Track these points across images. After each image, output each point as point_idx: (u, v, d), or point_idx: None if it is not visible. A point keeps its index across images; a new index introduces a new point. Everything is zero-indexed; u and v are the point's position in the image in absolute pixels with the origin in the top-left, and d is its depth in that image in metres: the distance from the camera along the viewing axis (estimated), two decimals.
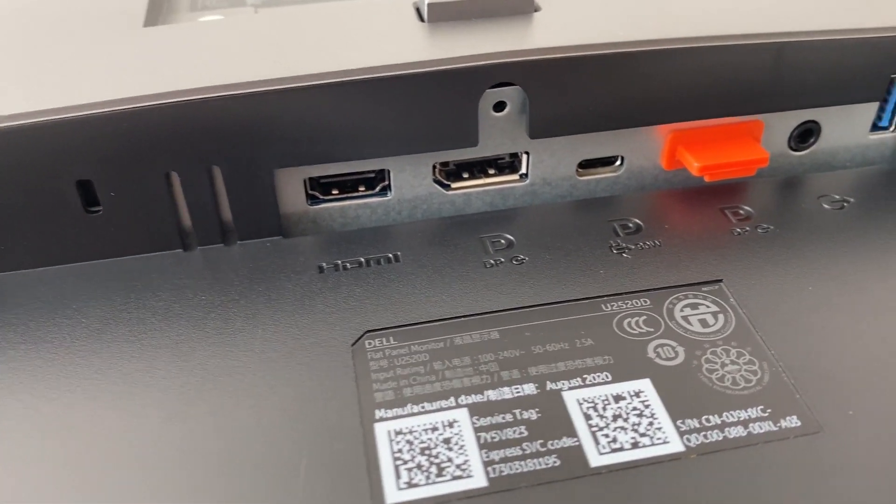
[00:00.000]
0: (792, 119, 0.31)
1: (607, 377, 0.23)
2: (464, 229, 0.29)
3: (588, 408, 0.22)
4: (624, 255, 0.27)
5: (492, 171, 0.30)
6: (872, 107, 0.31)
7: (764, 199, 0.30)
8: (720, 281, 0.26)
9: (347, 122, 0.27)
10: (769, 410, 0.22)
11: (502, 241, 0.28)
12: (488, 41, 0.28)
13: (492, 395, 0.23)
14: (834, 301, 0.25)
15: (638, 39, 0.27)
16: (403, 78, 0.26)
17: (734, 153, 0.29)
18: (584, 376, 0.23)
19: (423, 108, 0.27)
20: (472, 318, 0.25)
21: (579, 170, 0.31)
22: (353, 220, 0.30)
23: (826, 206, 0.30)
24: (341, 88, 0.26)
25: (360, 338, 0.25)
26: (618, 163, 0.31)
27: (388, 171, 0.29)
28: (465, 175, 0.30)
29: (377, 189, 0.29)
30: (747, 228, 0.28)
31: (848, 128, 0.32)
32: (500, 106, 0.28)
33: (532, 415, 0.22)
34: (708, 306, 0.25)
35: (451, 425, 0.22)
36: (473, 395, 0.23)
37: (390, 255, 0.28)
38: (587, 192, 0.31)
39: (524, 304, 0.25)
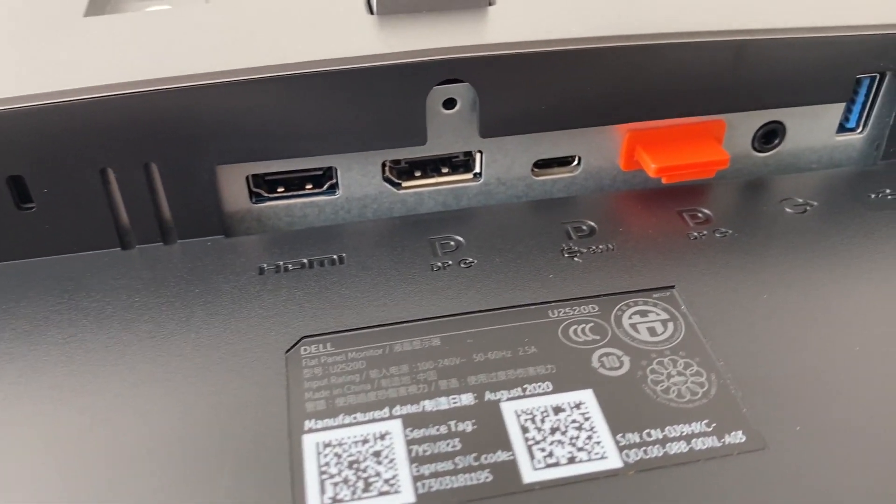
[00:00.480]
0: (756, 119, 0.30)
1: (548, 387, 0.22)
2: (413, 230, 0.28)
3: (526, 420, 0.22)
4: (575, 258, 0.27)
5: (445, 170, 0.29)
6: (839, 107, 0.31)
7: (724, 201, 0.29)
8: (672, 287, 0.25)
9: (290, 118, 0.26)
10: (714, 425, 0.21)
11: (452, 243, 0.27)
12: (438, 36, 0.27)
13: (428, 405, 0.22)
14: (788, 310, 0.25)
15: (594, 36, 0.27)
16: (348, 73, 0.25)
17: (693, 154, 0.29)
18: (525, 386, 0.22)
19: (369, 104, 0.26)
20: (414, 323, 0.24)
21: (535, 169, 0.30)
22: (299, 219, 0.29)
23: (788, 209, 0.29)
24: (283, 83, 0.25)
25: (295, 344, 0.24)
26: (575, 163, 0.30)
27: (336, 169, 0.28)
28: (418, 174, 0.29)
29: (325, 187, 0.29)
30: (704, 232, 0.28)
31: (814, 129, 0.31)
32: (449, 103, 0.27)
33: (468, 427, 0.21)
34: (658, 314, 0.25)
35: (382, 437, 0.21)
36: (409, 406, 0.22)
37: (334, 257, 0.27)
38: (543, 192, 0.30)
39: (468, 310, 0.25)
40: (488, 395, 0.22)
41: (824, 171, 0.32)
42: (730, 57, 0.28)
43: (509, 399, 0.22)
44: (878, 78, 0.30)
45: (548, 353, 0.23)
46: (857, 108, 0.31)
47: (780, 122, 0.30)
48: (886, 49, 0.29)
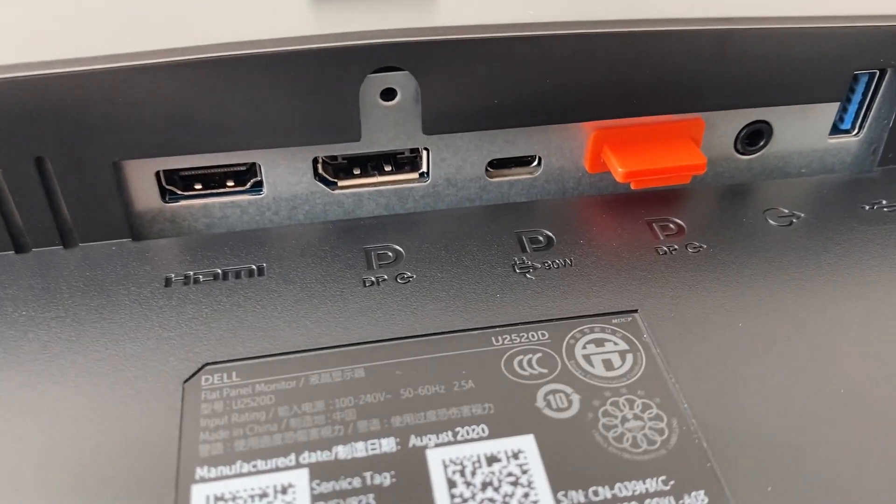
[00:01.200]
0: (739, 118, 0.27)
1: (483, 431, 0.19)
2: (347, 237, 0.25)
3: (454, 472, 0.19)
4: (528, 275, 0.24)
5: (388, 169, 0.26)
6: (832, 107, 0.28)
7: (700, 210, 0.26)
8: (634, 311, 0.23)
9: (199, 109, 0.23)
10: (672, 482, 0.18)
11: (389, 254, 0.24)
12: (376, 18, 0.24)
13: (341, 452, 0.19)
14: (767, 342, 0.22)
15: (553, 21, 0.23)
16: (266, 57, 0.22)
17: (667, 157, 0.26)
18: (457, 430, 0.20)
19: (293, 93, 0.23)
20: (336, 350, 0.21)
21: (490, 170, 0.27)
22: (219, 220, 0.26)
23: (772, 221, 0.26)
24: (189, 68, 0.22)
25: (196, 372, 0.21)
26: (534, 163, 0.27)
27: (259, 166, 0.25)
28: (356, 172, 0.26)
29: (248, 185, 0.26)
30: (675, 247, 0.25)
31: (804, 130, 0.28)
32: (388, 94, 0.24)
33: (385, 479, 0.18)
34: (616, 343, 0.22)
35: (284, 491, 0.18)
36: (319, 452, 0.19)
37: (253, 267, 0.24)
38: (499, 195, 0.27)
39: (400, 335, 0.22)
40: (413, 441, 0.19)
41: (815, 177, 0.29)
42: (710, 49, 0.24)
43: (438, 445, 0.19)
44: (877, 75, 0.27)
45: (487, 390, 0.20)
46: (852, 108, 0.28)
47: (766, 122, 0.27)
48: (887, 43, 0.26)
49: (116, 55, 0.22)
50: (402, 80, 0.23)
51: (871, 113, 0.28)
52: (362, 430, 0.19)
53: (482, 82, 0.23)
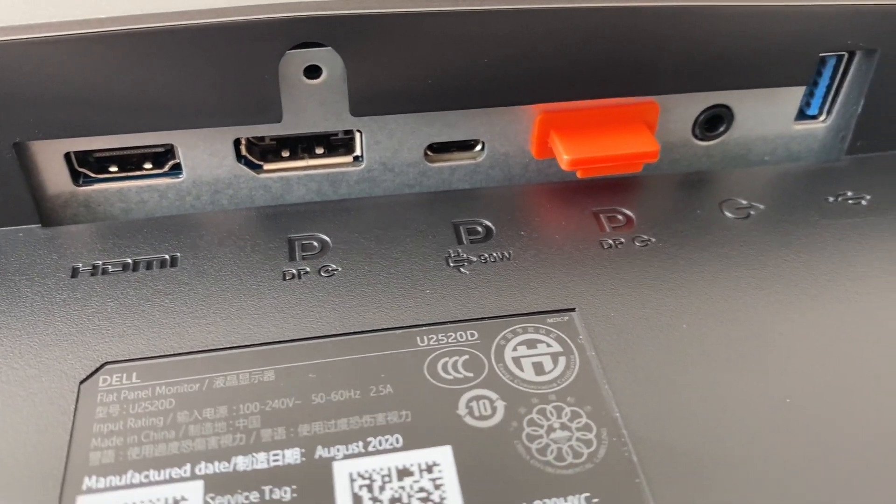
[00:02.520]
0: (697, 102, 0.26)
1: (397, 442, 0.18)
2: (271, 225, 0.24)
3: (361, 486, 0.17)
4: (462, 269, 0.22)
5: (320, 151, 0.25)
6: (798, 91, 0.26)
7: (652, 201, 0.25)
8: (572, 310, 0.21)
9: (108, 86, 0.21)
10: (596, 500, 0.17)
11: (315, 244, 0.23)
12: None
13: (241, 463, 0.18)
14: (712, 345, 0.20)
15: None
16: (177, 32, 0.21)
17: (617, 144, 0.24)
18: (369, 440, 0.18)
19: (207, 71, 0.21)
20: (246, 350, 0.20)
21: (430, 154, 0.25)
22: (136, 205, 0.24)
23: (728, 213, 0.25)
24: (95, 42, 0.21)
25: (94, 372, 0.20)
26: (477, 148, 0.25)
27: (175, 147, 0.23)
28: (285, 154, 0.25)
29: (166, 168, 0.24)
30: (622, 240, 0.23)
31: (767, 115, 0.27)
32: (313, 72, 0.22)
33: (286, 494, 0.17)
34: (549, 345, 0.21)
35: None
36: (216, 463, 0.18)
37: (166, 257, 0.22)
38: (440, 181, 0.26)
39: (317, 334, 0.20)
40: (320, 452, 0.18)
41: (779, 165, 0.27)
42: (664, 27, 0.23)
43: (346, 457, 0.18)
44: (845, 58, 0.26)
45: (405, 395, 0.19)
46: (819, 93, 0.27)
47: (726, 107, 0.26)
48: (854, 25, 0.24)
49: (13, 27, 0.21)
50: (326, 57, 0.22)
51: (840, 98, 0.27)
52: (266, 440, 0.18)
53: (414, 60, 0.22)
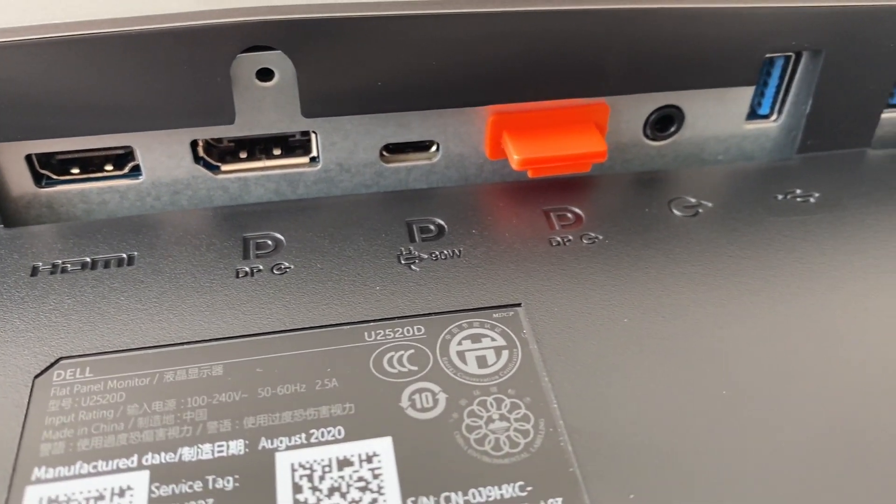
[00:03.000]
0: (647, 103, 0.26)
1: (339, 433, 0.19)
2: (227, 224, 0.24)
3: (302, 476, 0.18)
4: (413, 266, 0.23)
5: (277, 152, 0.25)
6: (747, 91, 0.27)
7: (603, 200, 0.26)
8: (518, 305, 0.22)
9: (67, 89, 0.22)
10: (529, 488, 0.18)
11: (269, 243, 0.24)
12: None
13: (186, 454, 0.18)
14: (651, 339, 0.21)
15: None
16: (131, 37, 0.21)
17: (566, 144, 0.25)
18: (312, 431, 0.19)
19: (160, 75, 0.22)
20: (196, 346, 0.21)
21: (386, 155, 0.26)
22: (98, 206, 0.25)
23: (676, 211, 0.25)
24: (50, 47, 0.21)
25: (49, 367, 0.20)
26: (433, 149, 0.26)
27: (134, 149, 0.24)
28: (243, 155, 0.25)
29: (126, 169, 0.25)
30: (569, 237, 0.24)
31: (718, 115, 0.27)
32: (265, 74, 0.23)
33: (228, 483, 0.18)
34: (493, 339, 0.21)
35: (121, 494, 0.18)
36: (163, 454, 0.18)
37: (123, 256, 0.23)
38: (397, 181, 0.26)
39: (266, 330, 0.21)
40: (263, 443, 0.19)
41: (730, 164, 0.28)
42: (612, 30, 0.24)
43: (289, 448, 0.19)
44: (792, 58, 0.26)
45: (350, 389, 0.20)
46: (770, 92, 0.27)
47: (676, 107, 0.27)
48: (799, 25, 0.25)
49: None
50: (277, 60, 0.22)
51: (789, 98, 0.27)
52: (211, 431, 0.19)
53: (363, 63, 0.23)
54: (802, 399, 0.20)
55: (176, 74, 0.22)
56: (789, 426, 0.19)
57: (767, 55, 0.26)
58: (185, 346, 0.21)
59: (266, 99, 0.23)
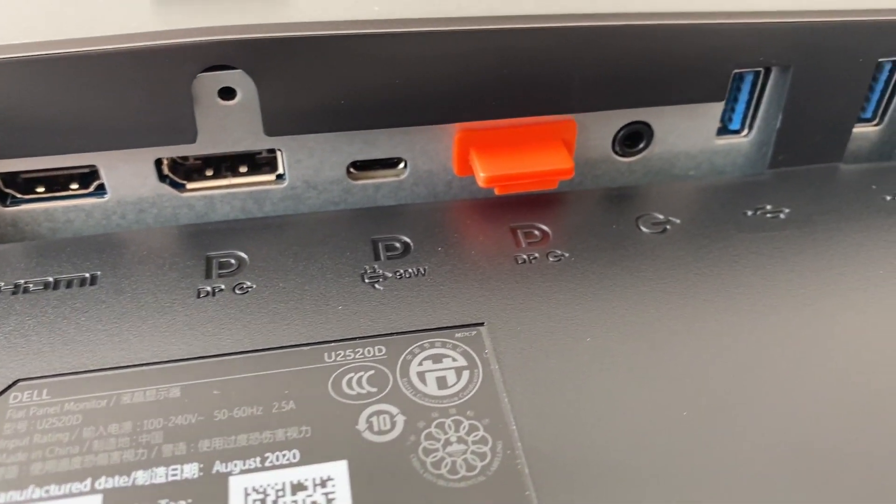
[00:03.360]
0: (615, 120, 0.26)
1: (294, 457, 0.19)
2: (192, 243, 0.24)
3: (255, 500, 0.18)
4: (376, 285, 0.23)
5: (243, 170, 0.25)
6: (716, 107, 0.27)
7: (570, 217, 0.26)
8: (480, 325, 0.22)
9: (24, 110, 0.22)
10: None
11: (232, 262, 0.24)
12: (218, 15, 0.23)
13: (140, 477, 0.18)
14: (615, 359, 0.21)
15: (400, 18, 0.23)
16: (91, 57, 0.21)
17: (532, 161, 0.25)
18: (267, 455, 0.19)
19: (121, 95, 0.22)
20: (155, 367, 0.21)
21: (353, 172, 0.26)
22: (63, 224, 0.25)
23: (644, 228, 0.25)
24: (16, 67, 0.21)
25: (6, 389, 0.20)
26: (401, 166, 0.26)
27: (98, 168, 0.24)
28: (209, 173, 0.25)
29: (91, 188, 0.25)
30: (536, 255, 0.24)
31: (688, 131, 0.27)
32: (227, 93, 0.23)
33: None
34: (455, 359, 0.21)
35: None
36: (116, 477, 0.18)
37: (86, 276, 0.23)
38: (365, 198, 0.26)
39: (226, 351, 0.21)
40: (218, 467, 0.19)
41: (700, 180, 0.28)
42: (578, 47, 0.24)
43: (243, 472, 0.19)
44: (762, 73, 0.26)
45: (307, 411, 0.20)
46: (740, 108, 0.27)
47: (644, 123, 0.27)
48: (766, 41, 0.25)
49: None
50: (238, 79, 0.23)
51: (759, 113, 0.27)
52: (166, 455, 0.19)
53: (324, 82, 0.23)
54: (767, 421, 0.20)
55: (136, 94, 0.22)
56: (752, 448, 0.19)
57: (736, 71, 0.26)
58: (144, 368, 0.21)
59: (229, 117, 0.23)
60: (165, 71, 0.22)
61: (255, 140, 0.24)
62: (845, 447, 0.19)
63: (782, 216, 0.26)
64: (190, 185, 0.25)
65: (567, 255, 0.24)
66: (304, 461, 0.19)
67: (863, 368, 0.21)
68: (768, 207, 0.26)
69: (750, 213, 0.26)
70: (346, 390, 0.20)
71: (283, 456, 0.19)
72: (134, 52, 0.21)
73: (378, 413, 0.20)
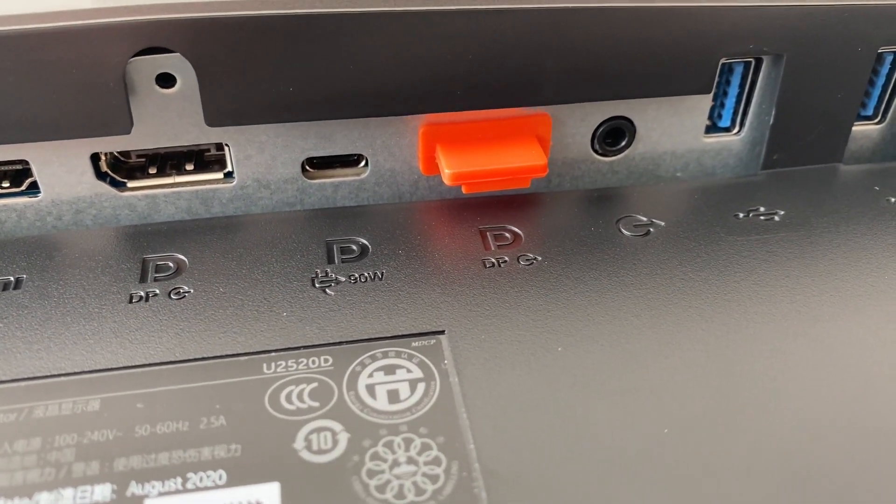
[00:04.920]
0: (593, 114, 0.24)
1: (220, 478, 0.17)
2: (129, 245, 0.22)
3: None
4: (328, 290, 0.21)
5: (189, 168, 0.24)
6: (704, 101, 0.25)
7: (545, 218, 0.24)
8: (441, 333, 0.20)
9: None
10: None
11: (170, 265, 0.22)
12: None
13: (44, 500, 0.16)
14: (589, 371, 0.19)
15: None
16: (11, 37, 0.20)
17: (503, 158, 0.23)
18: (189, 475, 0.17)
19: (46, 79, 0.20)
20: (74, 378, 0.19)
21: (309, 170, 0.24)
22: None
23: (625, 230, 0.23)
24: None
25: None
26: (361, 164, 0.24)
27: (29, 163, 0.22)
28: (153, 171, 0.23)
29: (24, 186, 0.23)
30: (505, 258, 0.22)
31: (673, 128, 0.25)
32: (166, 80, 0.21)
33: None
34: (409, 370, 0.19)
35: None
36: (17, 500, 0.16)
37: (11, 279, 0.21)
38: (323, 199, 0.24)
39: (154, 361, 0.19)
40: (133, 489, 0.17)
41: (688, 181, 0.26)
42: (546, 32, 0.22)
43: (161, 494, 0.16)
44: (752, 65, 0.25)
45: (239, 428, 0.18)
46: (730, 103, 0.25)
47: (626, 119, 0.25)
48: (756, 27, 0.23)
49: None
50: (177, 64, 0.21)
51: (751, 109, 0.25)
52: (76, 475, 0.17)
53: (270, 67, 0.21)
54: (759, 441, 0.18)
55: (64, 79, 0.20)
56: (739, 471, 0.17)
57: (724, 61, 0.24)
58: (62, 378, 0.19)
59: (169, 107, 0.22)
60: (95, 53, 0.20)
61: (198, 133, 0.22)
62: (843, 468, 0.17)
63: (776, 218, 0.24)
64: (131, 184, 0.23)
65: (540, 258, 0.22)
66: (230, 483, 0.17)
67: (867, 383, 0.19)
68: (761, 209, 0.24)
69: (741, 215, 0.24)
70: (285, 405, 0.18)
71: (208, 477, 0.17)
72: (59, 32, 0.19)
73: (318, 430, 0.18)
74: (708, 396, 0.19)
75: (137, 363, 0.19)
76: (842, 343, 0.20)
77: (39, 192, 0.23)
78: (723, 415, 0.18)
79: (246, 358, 0.19)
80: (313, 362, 0.19)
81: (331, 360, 0.19)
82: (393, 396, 0.19)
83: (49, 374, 0.19)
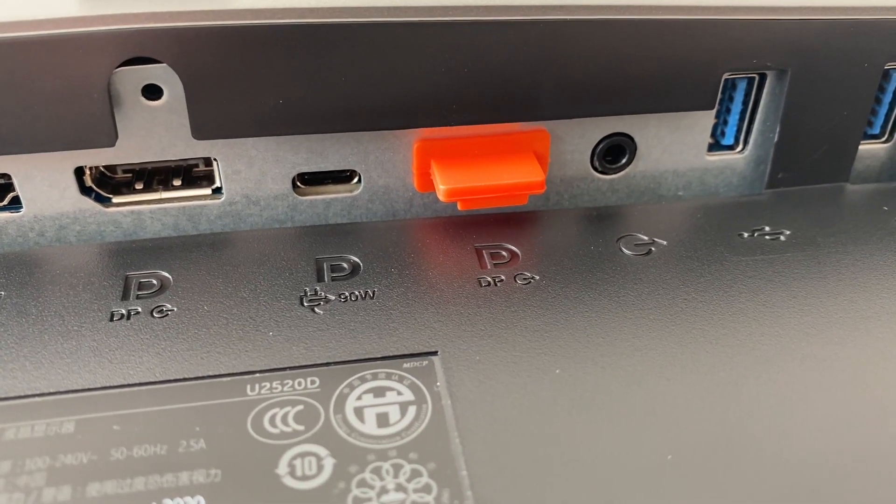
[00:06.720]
0: (593, 130, 0.24)
1: None
2: (112, 262, 0.22)
3: None
4: (316, 309, 0.20)
5: (177, 183, 0.23)
6: (706, 118, 0.24)
7: (543, 237, 0.23)
8: (434, 354, 0.19)
9: None
10: None
11: (154, 282, 0.21)
12: (144, 4, 0.21)
13: None
14: (588, 393, 0.18)
15: (347, 6, 0.20)
16: None
17: (499, 174, 0.22)
18: (166, 502, 0.16)
19: (29, 89, 0.20)
20: (49, 398, 0.18)
21: (301, 186, 0.23)
22: None
23: (626, 250, 0.23)
24: None
25: None
26: (354, 180, 0.24)
27: (11, 177, 0.22)
28: (139, 186, 0.23)
29: (6, 201, 0.22)
30: (502, 277, 0.21)
31: (675, 145, 0.25)
32: (153, 92, 0.21)
33: None
34: (400, 392, 0.18)
35: None
36: None
37: None
38: (314, 216, 0.24)
39: (133, 381, 0.18)
40: None
41: (692, 200, 0.26)
42: (542, 44, 0.21)
43: None
44: (756, 80, 0.24)
45: (219, 451, 0.17)
46: (733, 120, 0.25)
47: (626, 136, 0.24)
48: (763, 41, 0.23)
49: None
50: (163, 75, 0.20)
51: (755, 126, 0.25)
52: (46, 500, 0.16)
53: (259, 78, 0.20)
54: (763, 467, 0.17)
55: (46, 90, 0.19)
56: (745, 500, 0.16)
57: (727, 76, 0.23)
58: (36, 399, 0.18)
59: (155, 119, 0.21)
60: (78, 63, 0.19)
61: (186, 147, 0.22)
62: (854, 495, 0.16)
63: (782, 238, 0.23)
64: (116, 200, 0.23)
65: (537, 277, 0.21)
66: None
67: (878, 408, 0.18)
68: (766, 229, 0.24)
69: (745, 234, 0.23)
70: (268, 428, 0.18)
71: (185, 503, 0.16)
72: (42, 40, 0.19)
73: (303, 455, 0.17)
74: (713, 421, 0.18)
75: (115, 383, 0.18)
76: (852, 366, 0.19)
77: (21, 206, 0.22)
78: (728, 441, 0.17)
79: (229, 379, 0.18)
80: (299, 384, 0.19)
81: (318, 382, 0.19)
82: (382, 420, 0.18)
83: (23, 394, 0.18)
